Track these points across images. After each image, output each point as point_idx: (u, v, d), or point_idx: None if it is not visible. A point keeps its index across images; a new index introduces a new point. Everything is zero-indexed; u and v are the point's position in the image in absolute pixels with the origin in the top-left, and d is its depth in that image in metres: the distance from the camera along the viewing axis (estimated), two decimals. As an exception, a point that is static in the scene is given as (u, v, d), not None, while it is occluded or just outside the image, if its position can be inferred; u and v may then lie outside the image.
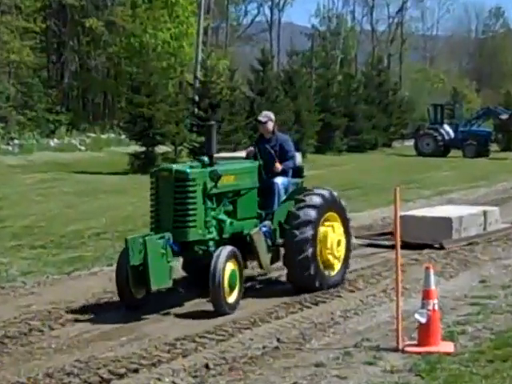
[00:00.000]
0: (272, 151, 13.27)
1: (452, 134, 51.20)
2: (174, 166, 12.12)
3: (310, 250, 12.42)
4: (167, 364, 9.27)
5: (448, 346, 9.61)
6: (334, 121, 51.05)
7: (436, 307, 9.62)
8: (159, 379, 8.70)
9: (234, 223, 12.46)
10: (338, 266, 13.15)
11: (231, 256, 11.51)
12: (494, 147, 54.22)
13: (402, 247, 13.88)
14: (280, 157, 13.33)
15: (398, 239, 9.99)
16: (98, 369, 9.03)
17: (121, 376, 8.82)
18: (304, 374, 8.83)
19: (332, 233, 13.03)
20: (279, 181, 13.21)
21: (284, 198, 13.20)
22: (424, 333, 9.60)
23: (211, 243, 11.93)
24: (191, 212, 11.62)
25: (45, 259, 15.85)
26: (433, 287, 9.68)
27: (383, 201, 23.46)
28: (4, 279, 13.83)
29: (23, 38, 53.32)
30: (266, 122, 13.64)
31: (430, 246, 16.37)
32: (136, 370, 9.03)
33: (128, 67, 56.13)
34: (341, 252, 13.18)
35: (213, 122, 12.97)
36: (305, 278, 12.48)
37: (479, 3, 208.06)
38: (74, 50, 63.38)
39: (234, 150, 34.69)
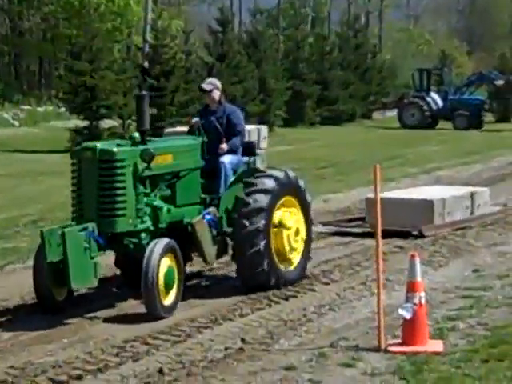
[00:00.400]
0: (218, 125, 12.69)
1: (440, 103, 51.22)
2: (99, 145, 11.12)
3: (263, 243, 11.76)
4: (115, 369, 9.25)
5: (437, 345, 9.64)
6: (304, 89, 51.05)
7: (423, 301, 9.64)
8: (106, 386, 8.74)
9: (173, 210, 11.72)
10: (296, 258, 12.59)
11: (167, 250, 10.84)
12: (488, 117, 54.38)
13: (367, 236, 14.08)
14: (227, 131, 12.73)
15: (380, 224, 10.05)
16: (36, 376, 9.00)
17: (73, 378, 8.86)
18: (272, 378, 8.85)
19: (289, 221, 12.39)
20: (226, 160, 12.44)
21: (232, 180, 12.52)
22: (409, 330, 9.63)
23: (144, 235, 11.21)
24: (119, 198, 10.80)
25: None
26: (419, 278, 9.70)
27: (362, 180, 23.54)
28: None
29: None
30: (211, 91, 12.92)
31: (408, 234, 16.06)
32: (80, 377, 9.01)
33: (67, 29, 55.81)
34: (299, 242, 12.61)
35: (144, 93, 11.90)
36: (257, 274, 11.86)
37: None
38: (4, 9, 63.05)
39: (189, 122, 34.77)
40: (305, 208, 12.79)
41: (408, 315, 9.58)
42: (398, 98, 56.81)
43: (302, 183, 12.81)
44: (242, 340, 10.17)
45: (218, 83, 13.20)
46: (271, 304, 11.87)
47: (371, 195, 15.99)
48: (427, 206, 16.49)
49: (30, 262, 14.78)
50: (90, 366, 9.31)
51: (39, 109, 52.41)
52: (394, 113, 54.57)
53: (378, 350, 9.56)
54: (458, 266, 14.10)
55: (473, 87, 55.23)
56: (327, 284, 12.92)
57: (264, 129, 25.13)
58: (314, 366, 9.19)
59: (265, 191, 11.91)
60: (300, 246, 12.60)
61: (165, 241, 10.87)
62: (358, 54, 61.08)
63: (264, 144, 24.03)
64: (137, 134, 11.33)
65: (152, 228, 11.32)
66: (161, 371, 9.12)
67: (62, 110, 45.70)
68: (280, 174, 12.34)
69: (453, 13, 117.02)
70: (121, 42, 57.32)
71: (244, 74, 44.19)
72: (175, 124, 32.79)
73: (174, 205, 11.78)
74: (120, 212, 10.77)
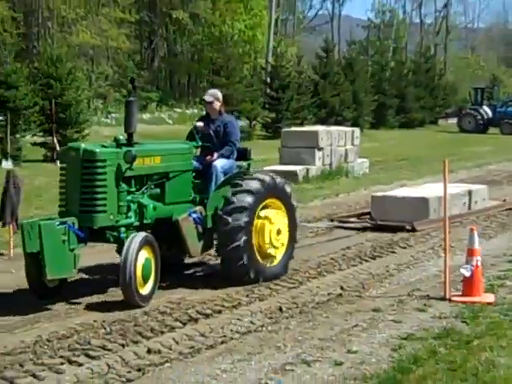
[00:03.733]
0: (214, 134, 10.98)
1: (490, 114, 50.37)
2: (83, 145, 9.36)
3: (243, 239, 9.98)
4: (246, 306, 9.31)
5: (489, 297, 9.51)
6: (387, 101, 50.55)
7: (479, 263, 9.51)
8: (239, 319, 8.73)
9: (159, 208, 9.96)
10: (278, 256, 10.66)
11: (145, 244, 9.16)
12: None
13: (375, 229, 13.62)
14: (222, 139, 10.97)
15: (447, 205, 9.93)
16: (188, 309, 9.09)
17: (207, 316, 8.86)
18: (364, 318, 8.81)
19: (271, 220, 10.47)
20: (218, 164, 10.68)
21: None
22: (468, 285, 9.52)
23: (124, 229, 9.47)
24: (100, 196, 9.13)
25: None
26: (476, 246, 9.58)
27: (429, 171, 23.29)
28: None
29: (120, 26, 53.72)
30: (211, 102, 11.19)
31: (403, 228, 14.12)
32: (219, 311, 9.07)
33: (209, 53, 56.19)
34: (281, 241, 10.62)
35: (132, 99, 9.92)
36: (237, 268, 10.08)
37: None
38: (163, 37, 63.72)
39: (301, 125, 34.72)
40: (289, 211, 10.84)
41: (467, 273, 9.46)
42: (457, 109, 55.75)
43: (288, 188, 10.89)
44: (341, 288, 10.15)
45: (219, 95, 11.38)
46: (362, 262, 11.82)
47: (376, 194, 15.40)
48: (423, 203, 14.53)
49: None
50: (227, 304, 9.36)
51: (187, 111, 52.82)
52: (454, 120, 53.56)
53: (444, 299, 9.46)
54: (504, 237, 13.87)
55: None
56: (404, 248, 12.84)
57: (357, 130, 24.79)
58: (395, 310, 9.13)
59: (249, 191, 10.18)
60: (281, 245, 10.64)
61: (142, 235, 9.23)
62: (428, 76, 60.01)
63: (357, 141, 23.80)
64: (121, 137, 9.58)
65: (137, 223, 9.66)
66: (280, 309, 9.15)
67: (204, 112, 45.91)
68: (266, 178, 10.54)
69: (502, 45, 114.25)
70: (249, 63, 57.48)
71: (341, 89, 43.96)
72: (290, 125, 32.68)
73: (163, 203, 10.06)
74: (100, 208, 9.13)
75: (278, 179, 10.72)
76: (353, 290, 10.06)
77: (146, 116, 47.92)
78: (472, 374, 6.92)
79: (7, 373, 7.00)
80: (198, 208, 10.23)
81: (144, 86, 55.09)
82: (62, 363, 7.26)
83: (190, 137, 10.89)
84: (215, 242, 10.47)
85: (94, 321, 8.57)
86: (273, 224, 10.47)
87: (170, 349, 7.70)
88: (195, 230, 10.04)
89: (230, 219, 9.97)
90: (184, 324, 8.54)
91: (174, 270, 10.66)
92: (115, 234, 9.43)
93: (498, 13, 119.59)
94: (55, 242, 8.66)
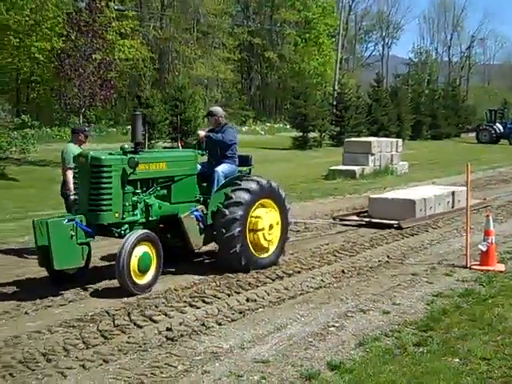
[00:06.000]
0: (215, 142, 9.53)
1: (502, 129, 48.69)
2: (91, 153, 8.21)
3: (237, 229, 8.73)
4: (317, 269, 9.25)
5: (501, 267, 9.24)
6: (422, 119, 49.50)
7: (493, 241, 9.25)
8: (313, 278, 8.71)
9: (165, 206, 8.74)
10: (270, 249, 9.30)
11: (142, 239, 7.92)
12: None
13: (369, 226, 12.47)
14: (222, 144, 9.55)
15: (469, 194, 9.70)
16: (275, 270, 9.03)
17: (289, 275, 8.86)
18: (405, 279, 8.68)
19: (264, 217, 9.12)
20: (220, 168, 9.40)
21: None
22: (485, 257, 9.27)
23: (126, 226, 8.26)
24: (105, 196, 8.03)
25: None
26: (491, 228, 9.32)
27: (455, 172, 22.70)
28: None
29: (226, 63, 54.15)
30: (212, 116, 9.85)
31: (391, 225, 12.57)
32: (299, 272, 9.05)
33: (291, 83, 56.01)
34: (273, 236, 9.25)
35: (138, 113, 8.75)
36: (231, 255, 8.80)
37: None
38: (258, 71, 63.97)
39: (359, 136, 34.35)
40: (282, 210, 9.45)
41: (484, 248, 9.22)
42: (476, 126, 54.07)
43: (282, 192, 9.52)
44: (388, 256, 10.01)
45: (218, 111, 9.92)
46: (404, 238, 11.60)
47: (373, 195, 13.95)
48: (410, 203, 13.00)
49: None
50: (305, 266, 9.34)
51: (275, 125, 52.91)
52: (473, 134, 52.00)
53: (465, 267, 9.23)
54: (512, 222, 13.46)
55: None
56: (435, 228, 12.53)
57: (399, 141, 24.37)
58: (429, 274, 8.96)
59: (246, 190, 8.96)
60: (273, 239, 9.29)
61: (140, 232, 8.00)
62: (454, 100, 58.31)
63: (399, 149, 23.44)
64: (126, 146, 8.48)
65: (143, 220, 8.48)
66: (343, 271, 9.09)
67: (288, 126, 45.83)
68: (262, 181, 9.24)
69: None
70: (320, 90, 57.16)
71: (388, 110, 43.19)
72: (350, 136, 32.32)
73: (170, 202, 8.85)
74: (105, 207, 8.02)
75: (275, 184, 9.37)
76: (396, 259, 9.92)
77: (244, 129, 48.21)
78: (487, 324, 6.77)
79: (147, 312, 7.14)
80: (200, 207, 9.01)
81: (244, 107, 55.77)
82: (184, 306, 7.37)
83: (198, 145, 9.58)
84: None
85: (209, 276, 8.67)
86: (266, 220, 9.11)
87: (263, 298, 7.72)
88: (197, 226, 8.80)
89: (227, 212, 8.75)
90: (273, 280, 8.56)
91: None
92: (119, 230, 8.22)
93: (510, 52, 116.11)
94: (63, 237, 7.63)
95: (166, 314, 7.04)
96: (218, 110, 10.03)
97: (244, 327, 6.71)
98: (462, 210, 13.83)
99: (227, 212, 8.77)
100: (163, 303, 7.44)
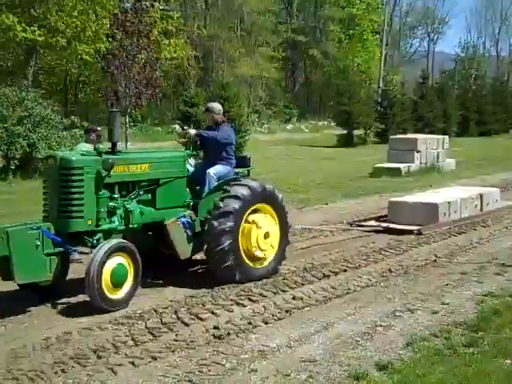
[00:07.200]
0: (212, 140, 8.69)
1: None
2: (60, 154, 7.44)
3: (228, 242, 7.90)
4: (364, 267, 9.17)
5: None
6: (469, 115, 48.71)
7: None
8: (360, 277, 8.62)
9: (148, 212, 7.90)
10: (267, 258, 8.46)
11: (116, 250, 7.05)
12: None
13: (387, 232, 11.60)
14: (218, 143, 8.71)
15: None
16: (322, 268, 9.00)
17: (336, 273, 8.79)
18: (453, 278, 8.53)
19: (259, 225, 8.27)
20: (212, 170, 8.53)
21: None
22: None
23: (99, 235, 7.39)
24: (76, 202, 7.15)
25: (285, 199, 15.91)
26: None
27: (503, 168, 22.32)
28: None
29: (271, 61, 54.21)
30: (209, 112, 9.02)
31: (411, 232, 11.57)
32: (345, 270, 8.98)
33: (335, 80, 55.78)
34: (269, 244, 8.41)
35: (116, 110, 8.01)
36: (223, 270, 8.01)
37: None
38: (302, 69, 63.86)
39: (404, 133, 33.94)
40: (280, 216, 8.62)
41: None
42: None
43: (278, 195, 8.65)
44: (435, 255, 9.84)
45: (216, 108, 9.03)
46: (451, 236, 11.39)
47: (393, 199, 12.92)
48: (433, 208, 12.08)
49: (316, 207, 15.03)
50: (351, 265, 9.24)
51: (319, 122, 52.81)
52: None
53: (516, 266, 9.06)
54: None
55: None
56: (484, 227, 12.28)
57: (446, 138, 24.03)
58: (478, 273, 8.78)
59: (236, 197, 8.05)
60: (269, 248, 8.47)
61: (114, 241, 7.15)
62: (502, 96, 57.12)
63: (446, 146, 23.10)
64: (101, 146, 7.77)
65: (122, 227, 7.63)
66: (390, 270, 8.97)
67: (332, 124, 45.62)
68: (254, 185, 8.31)
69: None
70: (365, 88, 56.75)
71: (434, 107, 42.65)
72: (395, 133, 31.95)
73: (154, 207, 8.01)
74: (76, 214, 7.15)
75: (268, 186, 8.50)
76: (444, 257, 9.75)
77: (289, 127, 48.27)
78: (540, 324, 6.61)
79: (193, 310, 7.17)
80: (188, 213, 8.19)
81: (288, 105, 55.77)
82: (231, 304, 7.38)
83: (188, 144, 8.80)
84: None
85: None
86: (261, 228, 8.28)
87: (309, 297, 7.69)
88: (184, 233, 8.02)
89: (215, 224, 7.90)
90: (319, 279, 8.51)
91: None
92: (92, 238, 7.34)
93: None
94: (26, 246, 6.77)
95: (212, 313, 7.06)
96: (215, 106, 9.13)
97: (291, 326, 6.69)
98: (491, 213, 13.29)
99: (215, 224, 7.90)
100: (210, 301, 7.46)
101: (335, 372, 5.53)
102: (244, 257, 8.18)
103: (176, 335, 6.41)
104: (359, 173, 21.21)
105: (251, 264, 8.28)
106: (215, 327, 6.60)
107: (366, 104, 39.58)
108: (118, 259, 7.09)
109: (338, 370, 5.56)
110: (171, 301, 7.51)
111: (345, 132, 37.61)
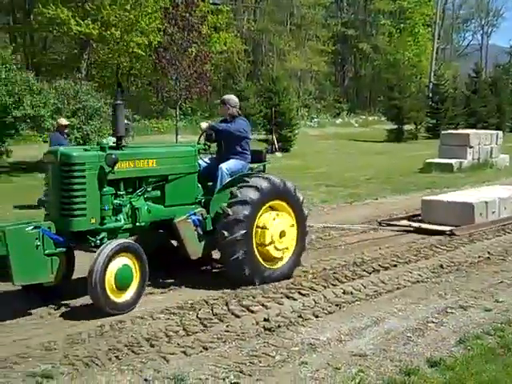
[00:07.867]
0: (226, 134, 8.25)
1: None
2: (61, 149, 6.94)
3: (241, 232, 7.49)
4: (415, 263, 9.07)
5: None
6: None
7: None
8: (410, 272, 8.54)
9: (157, 210, 7.54)
10: (284, 258, 8.06)
11: (120, 250, 6.66)
12: None
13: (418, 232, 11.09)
14: (232, 137, 8.29)
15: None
16: (372, 263, 8.93)
17: (386, 268, 8.73)
18: (508, 276, 8.34)
19: (273, 223, 7.82)
20: (224, 165, 8.10)
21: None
22: None
23: (104, 234, 6.98)
24: (78, 199, 6.75)
25: (334, 193, 15.99)
26: None
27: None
28: (310, 204, 13.69)
29: (320, 55, 54.03)
30: (224, 104, 8.48)
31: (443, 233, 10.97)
32: (395, 265, 8.90)
33: (385, 75, 55.21)
34: (285, 244, 7.98)
35: (120, 102, 7.33)
36: (232, 262, 7.61)
37: None
38: (351, 63, 63.39)
39: (456, 129, 33.39)
40: (298, 216, 8.15)
41: None
42: None
43: (299, 194, 8.21)
44: (488, 252, 9.67)
45: (232, 100, 8.49)
46: (505, 234, 11.11)
47: (426, 197, 12.26)
48: (468, 207, 11.39)
49: (366, 201, 14.94)
50: (401, 260, 9.14)
51: (369, 118, 52.42)
52: None
53: None
54: None
55: None
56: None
57: (500, 133, 23.57)
58: (533, 271, 8.62)
59: (255, 188, 7.68)
60: (286, 247, 8.04)
61: (118, 241, 6.73)
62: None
63: (500, 142, 22.67)
64: (104, 141, 7.53)
65: (129, 226, 7.28)
66: (441, 266, 8.86)
67: (382, 119, 45.24)
68: (275, 179, 7.93)
69: None
70: (416, 82, 56.07)
71: (487, 102, 41.80)
72: (447, 129, 31.47)
73: (163, 205, 7.65)
74: (78, 212, 6.77)
75: (289, 183, 8.08)
76: (498, 255, 9.57)
77: (338, 121, 48.11)
78: None
79: (244, 302, 7.22)
80: (199, 210, 7.81)
81: (337, 99, 55.54)
82: (281, 297, 7.39)
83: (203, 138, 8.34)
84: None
85: (306, 269, 8.59)
86: (276, 227, 7.86)
87: (359, 291, 7.66)
88: (194, 232, 7.66)
89: (226, 233, 7.52)
90: (369, 273, 8.46)
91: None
92: (96, 238, 6.96)
93: None
94: (26, 246, 6.39)
95: (263, 305, 7.10)
96: (231, 98, 8.61)
97: (341, 320, 6.68)
98: None
99: (230, 212, 7.53)
100: (260, 294, 7.49)
101: (386, 367, 5.51)
102: (256, 253, 7.75)
103: (227, 326, 6.47)
104: (409, 168, 20.97)
105: (263, 263, 7.86)
106: (265, 319, 6.63)
107: (416, 98, 39.17)
108: (123, 260, 6.72)
109: (389, 366, 5.54)
110: (222, 292, 7.57)
111: (395, 127, 37.24)
